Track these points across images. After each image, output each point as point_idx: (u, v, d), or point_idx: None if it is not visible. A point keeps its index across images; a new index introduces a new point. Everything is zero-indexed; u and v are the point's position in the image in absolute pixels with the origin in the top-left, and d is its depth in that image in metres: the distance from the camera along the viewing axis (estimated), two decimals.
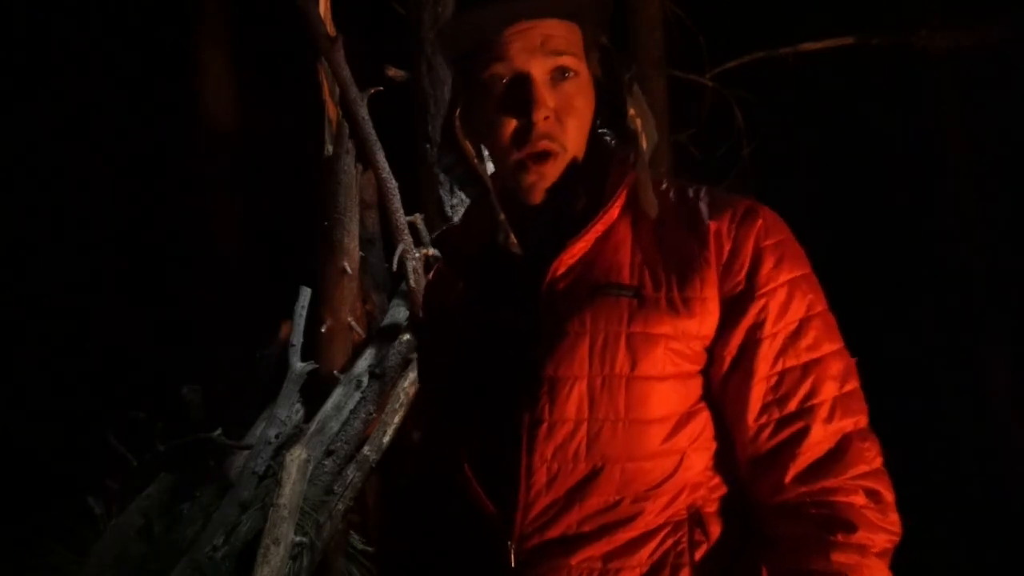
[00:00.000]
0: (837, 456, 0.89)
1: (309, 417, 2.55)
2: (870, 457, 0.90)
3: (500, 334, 0.98)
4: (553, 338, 0.93)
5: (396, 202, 2.56)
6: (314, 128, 2.78)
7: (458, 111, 1.04)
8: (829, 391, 0.91)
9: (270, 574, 2.06)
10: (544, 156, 0.95)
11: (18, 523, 2.49)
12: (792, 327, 0.92)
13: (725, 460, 0.95)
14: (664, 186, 1.01)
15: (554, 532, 0.91)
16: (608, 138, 1.04)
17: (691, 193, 1.00)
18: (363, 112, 2.52)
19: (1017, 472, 4.03)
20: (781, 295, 0.92)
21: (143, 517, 2.42)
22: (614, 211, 0.97)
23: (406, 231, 2.57)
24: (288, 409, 2.54)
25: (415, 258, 2.57)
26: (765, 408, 0.91)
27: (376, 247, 2.92)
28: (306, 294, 2.64)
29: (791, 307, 0.92)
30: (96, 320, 3.74)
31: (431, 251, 2.65)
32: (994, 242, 4.33)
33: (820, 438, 0.90)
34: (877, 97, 4.70)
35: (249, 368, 2.87)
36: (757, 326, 0.92)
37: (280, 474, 2.26)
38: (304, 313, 2.62)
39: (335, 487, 2.37)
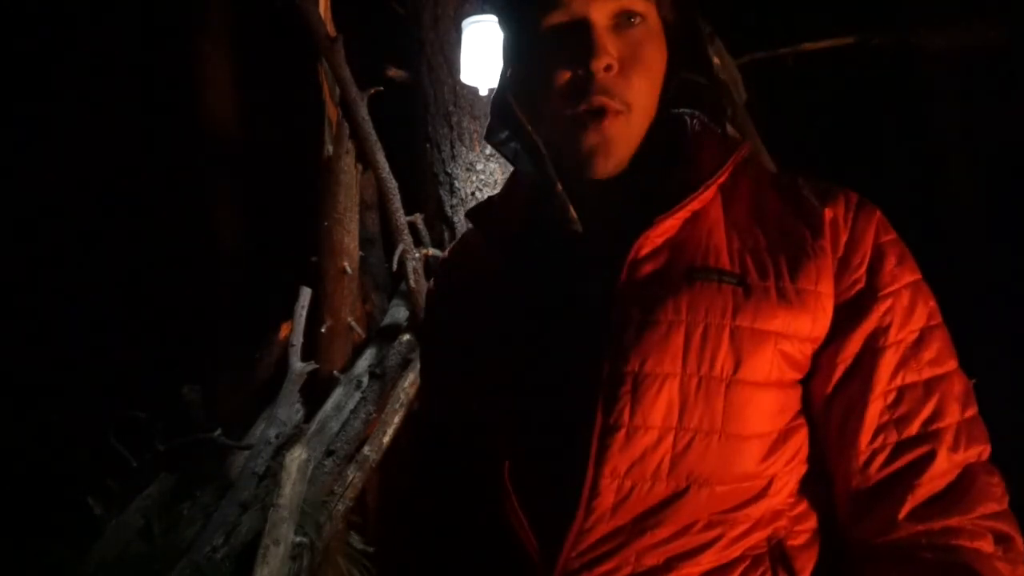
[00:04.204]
0: (961, 491, 0.75)
1: (309, 417, 2.55)
2: (998, 494, 0.76)
3: (561, 322, 0.82)
4: (640, 327, 0.76)
5: (396, 202, 2.56)
6: (314, 128, 2.78)
7: (510, 76, 0.90)
8: (954, 414, 0.77)
9: (270, 574, 2.06)
10: (602, 112, 0.79)
11: (18, 523, 2.48)
12: (914, 336, 0.78)
13: (813, 486, 0.80)
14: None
15: (606, 567, 0.73)
16: (691, 116, 0.88)
17: (786, 179, 0.87)
18: (363, 112, 2.52)
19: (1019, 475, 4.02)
20: (905, 298, 0.79)
21: (143, 517, 2.42)
22: (712, 189, 0.82)
23: (406, 231, 2.57)
24: (288, 409, 2.54)
25: (415, 258, 2.58)
26: (881, 429, 0.76)
27: (376, 247, 2.92)
28: (306, 294, 2.64)
29: (915, 313, 0.79)
30: (96, 320, 3.73)
31: (431, 251, 2.66)
32: (994, 242, 4.32)
33: (944, 468, 0.75)
34: (877, 97, 4.70)
35: (249, 368, 2.87)
36: (880, 331, 0.77)
37: (280, 474, 2.26)
38: (304, 313, 2.61)
39: (335, 487, 2.37)
